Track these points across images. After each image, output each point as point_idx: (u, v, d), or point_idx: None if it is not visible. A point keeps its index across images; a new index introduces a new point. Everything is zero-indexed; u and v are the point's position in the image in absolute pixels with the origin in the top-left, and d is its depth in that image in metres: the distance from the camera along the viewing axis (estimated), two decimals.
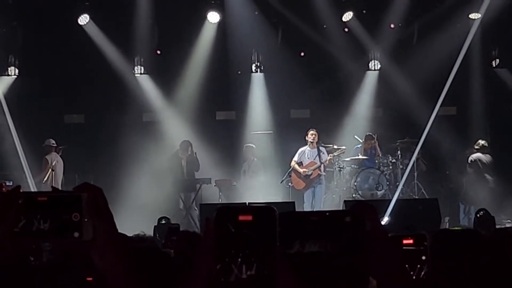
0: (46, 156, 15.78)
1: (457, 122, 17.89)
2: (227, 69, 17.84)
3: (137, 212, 14.02)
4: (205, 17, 17.68)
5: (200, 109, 17.77)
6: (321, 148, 15.66)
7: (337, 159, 15.94)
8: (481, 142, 16.07)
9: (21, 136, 16.15)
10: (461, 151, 16.63)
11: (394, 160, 16.22)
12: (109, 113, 17.54)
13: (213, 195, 16.29)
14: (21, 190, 1.74)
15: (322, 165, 15.49)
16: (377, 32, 17.77)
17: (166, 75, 17.93)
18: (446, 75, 15.64)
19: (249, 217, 1.60)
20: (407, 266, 2.31)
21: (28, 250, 4.04)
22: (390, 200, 13.44)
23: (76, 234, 1.70)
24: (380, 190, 15.61)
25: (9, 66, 17.99)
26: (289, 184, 15.86)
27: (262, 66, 18.44)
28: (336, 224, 1.67)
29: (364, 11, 17.76)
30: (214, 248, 1.60)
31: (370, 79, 18.37)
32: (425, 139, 15.47)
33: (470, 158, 16.07)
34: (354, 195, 15.56)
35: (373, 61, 18.40)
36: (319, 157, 15.47)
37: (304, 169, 15.49)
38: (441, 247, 3.49)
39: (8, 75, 17.96)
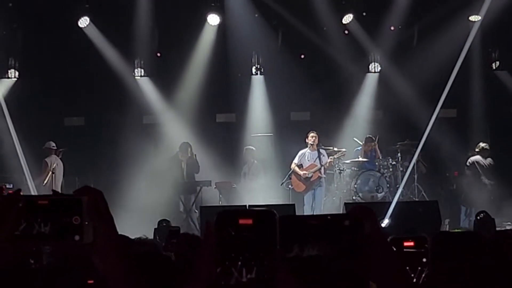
0: (46, 159, 15.77)
1: (457, 124, 17.89)
2: (227, 71, 17.84)
3: (137, 215, 14.00)
4: (205, 20, 17.68)
5: (200, 112, 17.78)
6: (321, 150, 15.65)
7: (337, 162, 15.93)
8: (482, 144, 16.08)
9: (21, 139, 16.15)
10: (461, 153, 16.64)
11: (394, 162, 16.22)
12: (109, 116, 17.53)
13: (213, 197, 16.29)
14: (21, 194, 1.75)
15: (323, 168, 15.48)
16: (377, 34, 17.78)
17: (166, 77, 17.94)
18: (446, 77, 15.63)
19: (249, 221, 1.61)
20: (408, 268, 2.31)
21: (28, 253, 4.04)
22: (390, 203, 13.45)
23: (77, 237, 1.70)
24: (380, 193, 15.60)
25: (9, 69, 18.00)
26: (289, 186, 15.85)
27: (262, 69, 18.44)
28: (335, 227, 1.67)
29: (364, 13, 17.77)
30: (215, 251, 1.60)
31: (370, 81, 18.37)
32: (425, 141, 15.46)
33: (468, 161, 16.08)
34: (354, 197, 15.56)
35: (373, 63, 18.41)
36: (319, 159, 15.46)
37: (305, 172, 15.49)
38: (441, 249, 3.49)
39: (8, 77, 17.96)
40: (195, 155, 16.25)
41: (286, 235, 1.64)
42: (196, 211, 15.34)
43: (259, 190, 15.94)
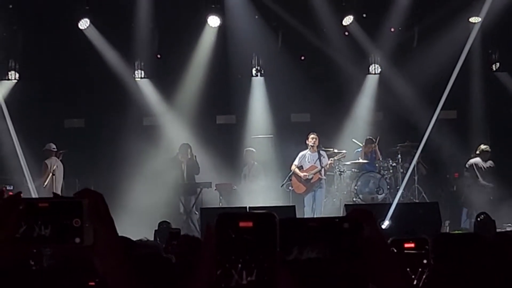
0: (46, 161, 15.77)
1: (458, 126, 17.90)
2: (228, 73, 17.85)
3: (138, 216, 14.01)
4: (205, 21, 17.68)
5: (200, 113, 17.78)
6: (321, 152, 15.65)
7: (337, 163, 15.93)
8: (482, 147, 16.03)
9: (21, 141, 16.15)
10: (462, 154, 16.64)
11: (394, 164, 16.22)
12: (110, 117, 17.54)
13: (213, 199, 16.29)
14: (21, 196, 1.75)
15: (323, 169, 15.48)
16: (377, 35, 17.78)
17: (167, 79, 17.95)
18: (447, 79, 15.63)
19: (250, 223, 1.61)
20: (408, 269, 2.31)
21: (28, 255, 4.04)
22: (390, 204, 13.46)
23: (77, 240, 1.70)
24: (380, 194, 15.61)
25: (10, 71, 18.00)
26: (290, 188, 15.85)
27: (263, 70, 18.44)
28: (334, 230, 1.68)
29: (364, 15, 17.77)
30: (215, 253, 1.60)
31: (371, 83, 18.37)
32: (425, 143, 15.45)
33: (468, 163, 16.07)
34: (354, 199, 15.56)
35: (373, 64, 18.41)
36: (320, 161, 15.46)
37: (305, 173, 15.48)
38: (441, 251, 3.49)
39: (9, 79, 17.96)
40: (195, 156, 16.25)
41: (286, 238, 1.64)
42: (197, 212, 15.33)
43: (259, 191, 15.94)
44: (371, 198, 15.56)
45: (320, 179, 15.47)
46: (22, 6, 17.09)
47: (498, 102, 18.15)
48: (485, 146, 16.06)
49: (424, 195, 15.88)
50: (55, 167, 15.66)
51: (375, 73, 18.42)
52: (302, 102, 17.58)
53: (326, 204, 15.79)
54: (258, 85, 18.46)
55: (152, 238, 9.27)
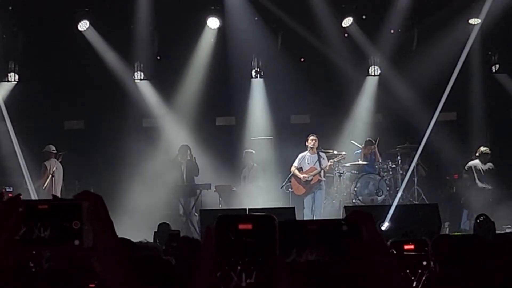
0: (45, 162, 15.77)
1: (457, 128, 17.90)
2: (227, 74, 17.84)
3: (137, 218, 14.01)
4: (205, 23, 17.69)
5: (200, 115, 17.78)
6: (321, 153, 15.65)
7: (337, 165, 15.93)
8: (482, 149, 16.00)
9: (21, 142, 16.15)
10: (461, 156, 16.64)
11: (394, 166, 16.22)
12: (109, 119, 17.55)
13: (213, 200, 16.29)
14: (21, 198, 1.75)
15: (322, 171, 15.48)
16: (377, 37, 17.78)
17: (166, 80, 17.95)
18: (446, 80, 15.64)
19: (249, 226, 1.61)
20: (408, 271, 2.32)
21: (28, 257, 4.03)
22: (390, 206, 13.45)
23: (77, 242, 1.70)
24: (380, 196, 15.60)
25: (9, 72, 17.98)
26: (289, 189, 15.85)
27: (262, 72, 18.44)
28: (333, 232, 1.68)
29: (364, 17, 17.77)
30: (215, 256, 1.60)
31: (370, 85, 18.38)
32: (425, 145, 15.46)
33: (467, 165, 16.06)
34: (354, 201, 15.56)
35: (373, 66, 18.41)
36: (319, 162, 15.46)
37: (304, 175, 15.48)
38: (441, 252, 3.49)
39: (8, 81, 17.95)
40: (195, 158, 16.25)
41: (285, 240, 1.64)
42: (196, 214, 15.33)
43: (259, 193, 15.95)
44: (370, 199, 15.55)
45: (319, 180, 15.47)
46: (22, 8, 17.09)
47: (497, 104, 18.15)
48: (484, 148, 16.04)
49: (424, 197, 15.88)
50: (54, 168, 15.65)
51: (374, 75, 18.42)
52: (302, 103, 17.57)
53: (325, 206, 15.79)
54: (257, 86, 18.46)
55: (151, 240, 9.25)
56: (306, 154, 15.66)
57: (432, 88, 16.40)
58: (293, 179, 15.68)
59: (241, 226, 1.61)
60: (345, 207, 13.62)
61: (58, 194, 14.21)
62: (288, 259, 1.65)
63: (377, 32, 17.72)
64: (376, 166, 16.20)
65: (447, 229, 15.03)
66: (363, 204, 15.17)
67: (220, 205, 16.10)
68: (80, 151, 16.95)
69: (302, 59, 18.28)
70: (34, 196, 14.90)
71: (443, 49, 17.05)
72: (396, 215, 12.52)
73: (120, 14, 17.43)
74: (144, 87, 18.21)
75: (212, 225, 1.63)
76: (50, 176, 15.55)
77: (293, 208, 13.35)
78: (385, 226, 12.24)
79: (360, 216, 1.74)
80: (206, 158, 16.84)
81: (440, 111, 15.64)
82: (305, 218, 14.76)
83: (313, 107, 17.56)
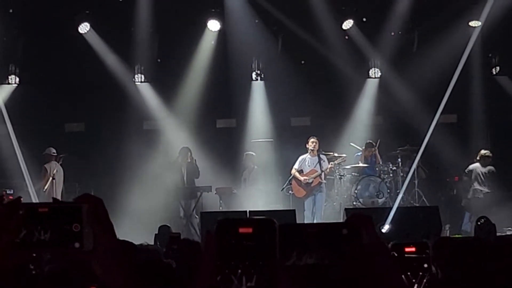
0: (45, 165, 15.77)
1: (458, 130, 17.89)
2: (228, 77, 17.85)
3: (138, 220, 14.03)
4: (205, 26, 17.71)
5: (200, 117, 17.79)
6: (321, 156, 15.64)
7: (337, 167, 15.93)
8: (482, 152, 15.95)
9: (21, 145, 16.16)
10: (462, 158, 16.63)
11: (394, 168, 16.22)
12: (110, 121, 17.57)
13: (213, 203, 16.28)
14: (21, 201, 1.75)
15: (323, 173, 15.48)
16: (377, 39, 17.79)
17: (167, 83, 17.96)
18: (447, 83, 15.64)
19: (249, 229, 1.61)
20: (409, 273, 2.32)
21: (28, 259, 4.04)
22: (391, 208, 13.45)
23: (77, 245, 1.70)
24: (380, 198, 15.60)
25: (10, 75, 17.99)
26: (290, 192, 15.84)
27: (263, 74, 18.45)
28: (333, 236, 1.68)
29: (364, 19, 17.78)
30: (215, 259, 1.60)
31: (371, 87, 18.38)
32: (425, 147, 15.46)
33: (467, 168, 16.05)
34: (354, 203, 15.56)
35: (373, 68, 18.41)
36: (320, 165, 15.45)
37: (305, 177, 15.48)
38: (442, 255, 3.49)
39: (9, 83, 17.96)
40: (195, 160, 16.25)
41: (285, 243, 1.64)
42: (197, 216, 15.32)
43: (259, 195, 15.95)
44: (371, 202, 15.55)
45: (320, 183, 15.46)
46: (23, 10, 17.11)
47: (498, 106, 18.16)
48: (484, 152, 16.00)
49: (424, 199, 15.88)
50: (55, 171, 15.66)
51: (375, 77, 18.42)
52: (302, 106, 17.58)
53: (326, 208, 15.79)
54: (258, 89, 18.47)
55: (152, 242, 9.26)
56: (306, 156, 15.65)
57: (433, 90, 16.40)
58: (293, 182, 15.68)
59: (241, 230, 1.61)
60: (345, 209, 13.63)
61: (59, 197, 14.25)
62: (288, 262, 1.65)
63: (378, 35, 17.73)
64: (377, 169, 16.20)
65: (448, 231, 15.03)
66: (363, 206, 15.18)
67: (220, 208, 16.09)
68: (81, 154, 16.96)
69: (303, 62, 18.29)
70: (34, 199, 14.92)
71: (443, 51, 17.06)
72: (396, 218, 12.52)
73: (120, 16, 17.45)
74: (144, 90, 18.22)
75: (212, 229, 1.64)
76: (51, 178, 15.55)
77: (294, 210, 13.35)
78: (385, 228, 12.24)
79: (360, 219, 1.74)
80: (206, 160, 16.85)
81: (441, 113, 15.64)
82: (305, 221, 14.78)
83: (313, 110, 17.56)
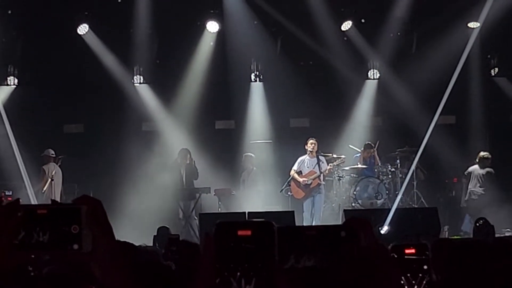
0: (44, 166, 15.77)
1: (456, 131, 17.90)
2: (226, 78, 17.86)
3: (136, 221, 14.02)
4: (204, 27, 17.71)
5: (199, 118, 17.78)
6: (320, 157, 15.65)
7: (336, 168, 15.94)
8: (480, 154, 15.90)
9: (20, 146, 16.14)
10: (460, 160, 16.64)
11: (393, 169, 16.23)
12: (109, 123, 17.56)
13: (212, 204, 16.27)
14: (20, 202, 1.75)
15: (322, 174, 15.48)
16: (376, 41, 17.80)
17: (166, 84, 17.95)
18: (445, 84, 15.66)
19: (248, 232, 1.61)
20: (409, 275, 2.32)
21: (27, 261, 4.03)
22: (389, 209, 13.46)
23: (76, 246, 1.70)
24: (379, 199, 15.60)
25: (9, 76, 17.99)
26: (289, 193, 15.85)
27: (261, 75, 18.45)
28: (331, 238, 1.68)
29: (363, 20, 17.79)
30: (214, 262, 1.60)
31: (369, 88, 18.39)
32: (424, 148, 15.47)
33: (466, 170, 16.04)
34: (353, 204, 15.56)
35: (372, 70, 18.42)
36: (319, 166, 15.46)
37: (304, 178, 15.48)
38: (441, 256, 3.49)
39: (8, 84, 17.96)
40: (194, 161, 16.24)
41: (283, 246, 1.64)
42: (196, 218, 15.32)
43: (258, 197, 15.95)
44: (370, 203, 15.56)
45: (319, 184, 15.46)
46: (21, 12, 17.10)
47: (496, 107, 18.18)
48: (483, 153, 15.96)
49: (423, 200, 15.88)
50: (53, 172, 15.65)
51: (374, 78, 18.43)
52: (301, 107, 17.59)
53: (325, 209, 15.79)
54: (257, 90, 18.47)
55: (151, 244, 9.25)
56: (305, 157, 15.66)
57: (431, 92, 16.41)
58: (292, 183, 15.68)
59: (240, 233, 1.62)
60: (344, 210, 13.62)
61: (58, 198, 14.23)
62: (286, 265, 1.65)
63: (377, 36, 17.73)
64: (376, 170, 16.21)
65: (447, 232, 15.02)
66: (362, 208, 15.18)
67: (219, 209, 16.08)
68: (79, 155, 16.94)
69: (302, 63, 18.29)
70: (33, 200, 14.91)
71: (442, 53, 17.08)
72: (395, 219, 12.52)
73: (119, 17, 17.45)
74: (143, 91, 18.22)
75: (211, 232, 1.63)
76: (49, 180, 15.55)
77: (293, 211, 13.35)
78: (384, 229, 12.24)
79: (358, 222, 1.74)
80: (205, 161, 16.84)
81: (440, 114, 15.65)
82: (304, 222, 14.79)
83: (312, 111, 17.57)
